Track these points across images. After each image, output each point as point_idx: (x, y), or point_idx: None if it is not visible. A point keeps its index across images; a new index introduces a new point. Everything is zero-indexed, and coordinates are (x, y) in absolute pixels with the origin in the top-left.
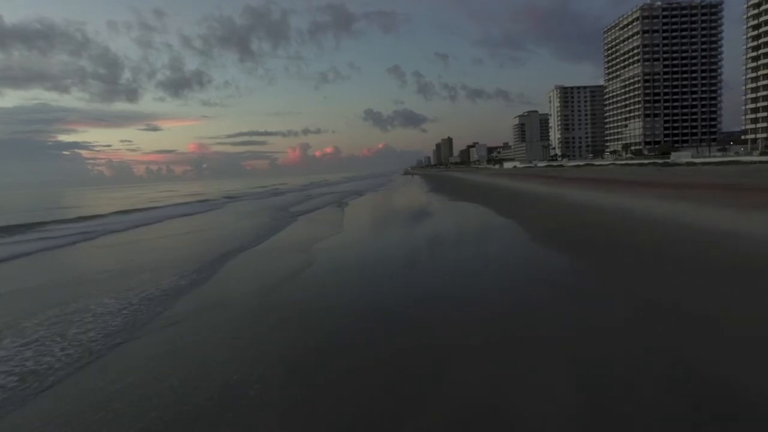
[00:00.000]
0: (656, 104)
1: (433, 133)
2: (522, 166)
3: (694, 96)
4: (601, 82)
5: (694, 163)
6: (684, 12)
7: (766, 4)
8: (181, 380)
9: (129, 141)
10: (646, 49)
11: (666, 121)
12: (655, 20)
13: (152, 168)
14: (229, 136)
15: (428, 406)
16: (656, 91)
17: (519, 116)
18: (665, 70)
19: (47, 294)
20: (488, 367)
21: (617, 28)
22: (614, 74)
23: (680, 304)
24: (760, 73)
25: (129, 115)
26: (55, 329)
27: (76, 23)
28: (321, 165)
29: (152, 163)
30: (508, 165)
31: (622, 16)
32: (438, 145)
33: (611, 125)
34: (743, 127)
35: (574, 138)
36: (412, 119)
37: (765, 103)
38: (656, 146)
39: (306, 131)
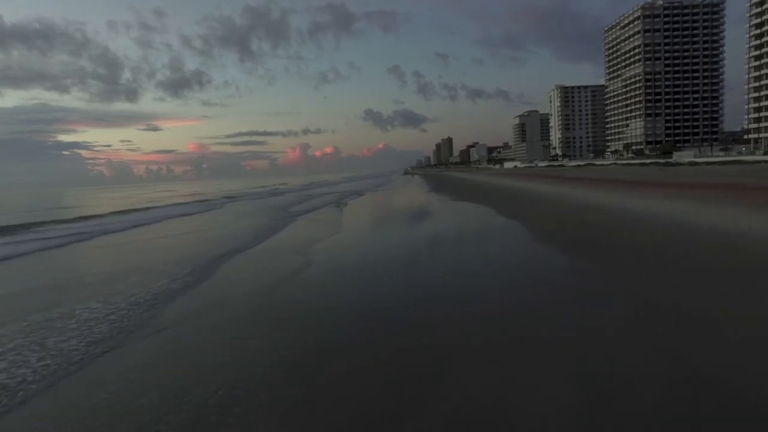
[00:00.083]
0: (657, 104)
1: (433, 133)
2: (522, 166)
3: (695, 95)
4: (602, 82)
5: (697, 163)
6: (685, 11)
7: None
8: (162, 395)
9: (129, 141)
10: (648, 48)
11: (667, 121)
12: (656, 19)
13: (152, 168)
14: (229, 136)
15: (428, 406)
16: (657, 90)
17: (519, 116)
18: (666, 69)
19: (31, 298)
20: (488, 367)
21: (618, 27)
22: (615, 74)
23: (680, 304)
24: (763, 72)
25: (129, 115)
26: (35, 337)
27: (76, 23)
28: (321, 165)
29: (152, 163)
30: (508, 165)
31: (623, 15)
32: (438, 145)
33: (612, 125)
34: (746, 127)
35: (574, 138)
36: (412, 119)
37: None
38: (657, 146)
39: (306, 131)
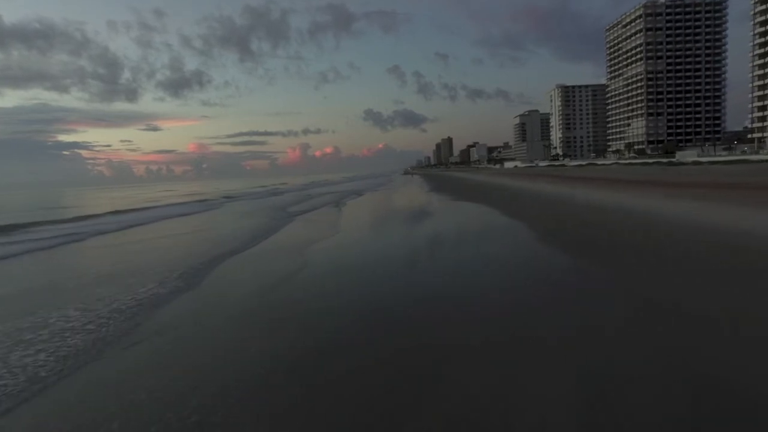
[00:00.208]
0: (659, 103)
1: (433, 133)
2: (523, 165)
3: (697, 94)
4: (603, 81)
5: (701, 162)
6: (687, 9)
7: None
8: (137, 416)
9: (129, 141)
10: (649, 47)
11: (669, 120)
12: (658, 18)
13: (152, 168)
14: (229, 136)
15: (428, 406)
16: (659, 89)
17: (520, 116)
18: (668, 68)
19: (4, 305)
20: (488, 368)
21: (620, 26)
22: (617, 72)
23: (681, 304)
24: (767, 71)
25: (129, 115)
26: None
27: (76, 23)
28: (321, 165)
29: (152, 163)
30: (508, 165)
31: (625, 13)
32: (438, 145)
33: (613, 124)
34: (750, 126)
35: (575, 137)
36: (412, 119)
37: None
38: (659, 145)
39: (306, 131)
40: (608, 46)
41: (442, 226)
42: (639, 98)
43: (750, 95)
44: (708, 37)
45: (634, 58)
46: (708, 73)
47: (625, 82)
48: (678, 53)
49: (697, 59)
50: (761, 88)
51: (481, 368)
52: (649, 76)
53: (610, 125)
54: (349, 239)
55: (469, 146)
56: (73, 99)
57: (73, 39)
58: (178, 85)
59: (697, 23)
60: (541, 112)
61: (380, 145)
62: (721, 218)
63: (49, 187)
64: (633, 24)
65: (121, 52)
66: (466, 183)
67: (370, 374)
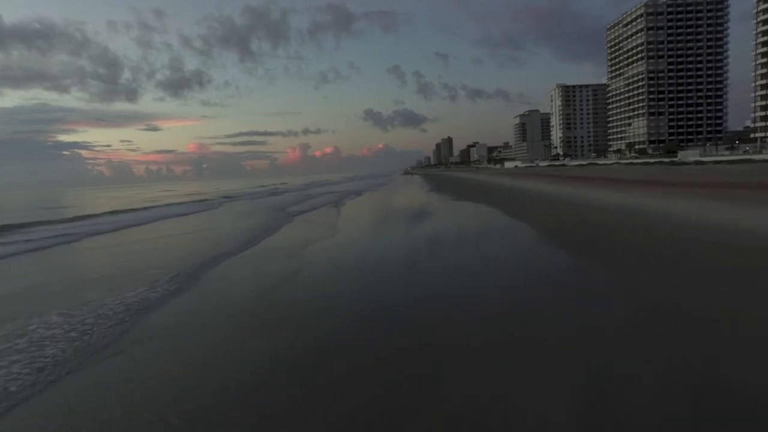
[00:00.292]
0: (661, 102)
1: (433, 133)
2: (523, 165)
3: (699, 94)
4: (603, 81)
5: (704, 162)
6: (689, 8)
7: None
8: None
9: (129, 141)
10: (651, 46)
11: (670, 120)
12: (659, 17)
13: (152, 168)
14: (229, 136)
15: (428, 406)
16: (661, 89)
17: (520, 115)
18: (670, 67)
19: None
20: (488, 368)
21: (621, 25)
22: (618, 72)
23: (681, 304)
24: None
25: (129, 115)
26: None
27: (76, 23)
28: (321, 165)
29: (152, 163)
30: (509, 165)
31: (626, 12)
32: (438, 145)
33: (614, 124)
34: (752, 125)
35: (576, 137)
36: (412, 119)
37: None
38: (661, 145)
39: (306, 131)
40: (609, 45)
41: (442, 226)
42: (640, 98)
43: (753, 94)
44: (709, 36)
45: (635, 58)
46: (709, 72)
47: (626, 82)
48: (679, 52)
49: (699, 58)
50: (764, 87)
51: (481, 368)
52: (650, 75)
53: (610, 125)
54: (349, 239)
55: (469, 146)
56: (73, 99)
57: (73, 39)
58: (178, 85)
59: (698, 22)
60: (541, 112)
61: (380, 145)
62: (727, 218)
63: (49, 187)
64: (634, 23)
65: (121, 52)
66: (466, 183)
67: (370, 374)
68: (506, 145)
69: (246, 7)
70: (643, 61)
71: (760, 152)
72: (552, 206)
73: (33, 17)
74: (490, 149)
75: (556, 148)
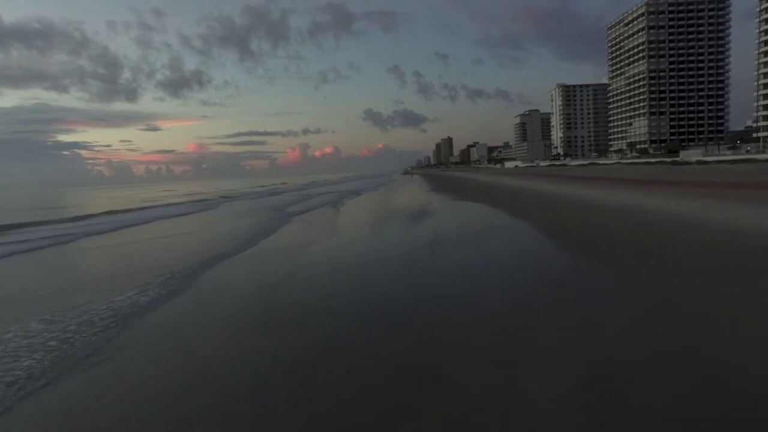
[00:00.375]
0: (662, 102)
1: (433, 133)
2: (524, 165)
3: (700, 93)
4: (603, 81)
5: (707, 162)
6: (690, 7)
7: None
8: None
9: (129, 141)
10: (652, 45)
11: (672, 119)
12: (660, 16)
13: (152, 168)
14: (228, 136)
15: (428, 406)
16: (662, 88)
17: (520, 115)
18: (671, 67)
19: None
20: (488, 368)
21: (621, 24)
22: (618, 71)
23: (681, 304)
24: None
25: (128, 115)
26: None
27: (75, 23)
28: (321, 165)
29: (152, 163)
30: (509, 165)
31: (627, 12)
32: (438, 145)
33: (615, 123)
34: (754, 125)
35: (576, 137)
36: (412, 119)
37: None
38: (662, 145)
39: (306, 131)
40: (610, 44)
41: (442, 226)
42: (641, 97)
43: (755, 93)
44: (711, 35)
45: (636, 57)
46: (711, 72)
47: (627, 81)
48: (680, 52)
49: (700, 58)
50: (766, 86)
51: (481, 368)
52: (652, 74)
53: (611, 125)
54: (348, 240)
55: (469, 146)
56: (72, 99)
57: (72, 39)
58: (178, 85)
59: (699, 21)
60: (541, 111)
61: (380, 145)
62: (730, 217)
63: (49, 187)
64: (635, 22)
65: (121, 51)
66: (466, 183)
67: (370, 374)
68: (506, 145)
69: (246, 6)
70: (644, 60)
71: (763, 152)
72: (553, 206)
73: (32, 17)
74: (490, 149)
75: (556, 147)
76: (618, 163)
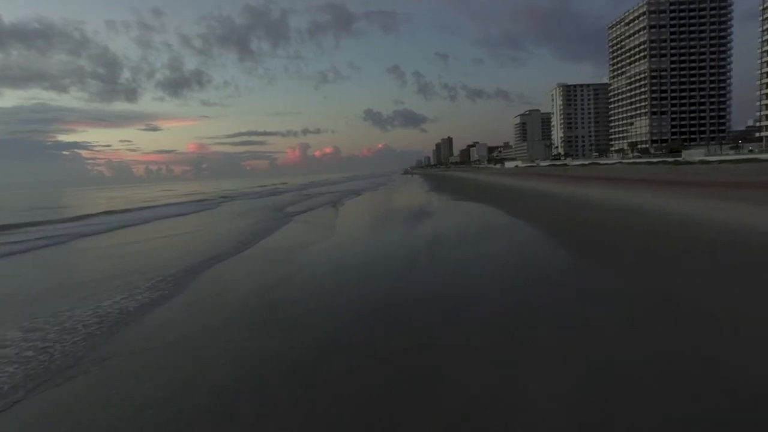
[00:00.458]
0: (663, 101)
1: (433, 133)
2: (524, 165)
3: (702, 93)
4: (604, 80)
5: (709, 162)
6: (692, 6)
7: None
8: None
9: (128, 141)
10: (653, 44)
11: (673, 119)
12: (662, 15)
13: (152, 168)
14: (228, 136)
15: (428, 406)
16: (663, 88)
17: (520, 115)
18: (672, 66)
19: None
20: (488, 368)
21: (622, 23)
22: (619, 71)
23: (681, 305)
24: None
25: (128, 115)
26: None
27: (75, 22)
28: (321, 165)
29: (152, 163)
30: (509, 165)
31: (628, 11)
32: (438, 145)
33: (616, 123)
34: (757, 124)
35: (577, 137)
36: (412, 119)
37: None
38: (663, 144)
39: (306, 131)
40: (611, 44)
41: (442, 226)
42: (642, 97)
43: (758, 93)
44: (713, 34)
45: (637, 56)
46: (712, 71)
47: (628, 81)
48: (682, 51)
49: (702, 57)
50: None
51: (481, 368)
52: (653, 74)
53: (612, 124)
54: (348, 240)
55: (469, 146)
56: (72, 99)
57: (72, 39)
58: (178, 84)
59: (701, 20)
60: (541, 111)
61: (380, 145)
62: (732, 217)
63: (49, 187)
64: (636, 21)
65: (121, 51)
66: (466, 183)
67: (369, 374)
68: (506, 145)
69: (245, 6)
70: (646, 59)
71: (766, 151)
72: (553, 206)
73: (32, 17)
74: (491, 149)
75: (557, 147)
76: (619, 162)
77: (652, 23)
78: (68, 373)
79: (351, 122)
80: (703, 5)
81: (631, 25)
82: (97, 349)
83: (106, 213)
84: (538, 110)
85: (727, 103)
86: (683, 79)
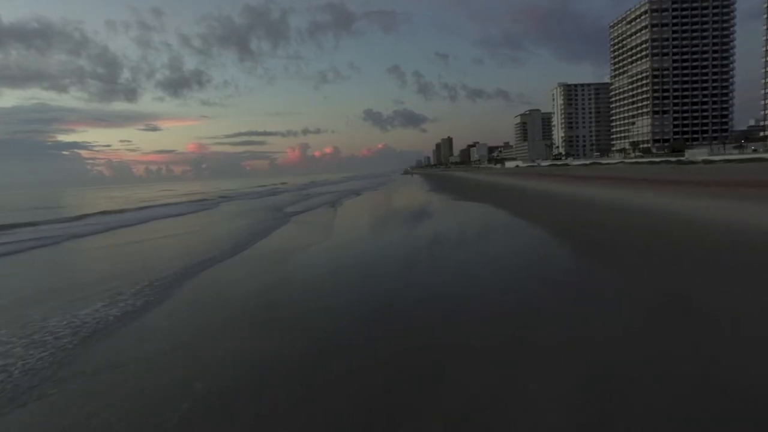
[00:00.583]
0: (665, 101)
1: (433, 133)
2: (524, 165)
3: (704, 92)
4: (604, 81)
5: (713, 161)
6: (694, 5)
7: None
8: None
9: (128, 141)
10: (655, 43)
11: (675, 119)
12: (664, 13)
13: (152, 168)
14: (228, 136)
15: (428, 406)
16: (665, 87)
17: (521, 115)
18: (675, 65)
19: None
20: (488, 368)
21: (624, 22)
22: (621, 70)
23: (681, 304)
24: None
25: (128, 115)
26: None
27: (75, 22)
28: (320, 165)
29: (152, 163)
30: (509, 164)
31: (630, 9)
32: (438, 145)
33: (618, 123)
34: (762, 123)
35: (577, 136)
36: (412, 119)
37: None
38: (665, 144)
39: (306, 131)
40: (612, 43)
41: (442, 226)
42: (644, 96)
43: (763, 91)
44: (715, 33)
45: (639, 55)
46: (715, 70)
47: (630, 80)
48: (684, 50)
49: (704, 56)
50: None
51: (481, 368)
52: (655, 73)
53: (614, 124)
54: (348, 240)
55: (470, 146)
56: (72, 99)
57: (71, 38)
58: (178, 84)
59: (704, 19)
60: (542, 111)
61: (380, 145)
62: (735, 216)
63: (49, 187)
64: (638, 20)
65: (120, 51)
66: (467, 183)
67: (369, 374)
68: (507, 145)
69: (245, 6)
70: (648, 58)
71: None
72: (554, 206)
73: (31, 17)
74: (491, 149)
75: (557, 147)
76: (621, 162)
77: (654, 22)
78: (35, 392)
79: (351, 122)
80: (705, 4)
81: (633, 23)
82: (68, 366)
83: (103, 213)
84: (538, 110)
85: (730, 102)
86: (685, 78)
